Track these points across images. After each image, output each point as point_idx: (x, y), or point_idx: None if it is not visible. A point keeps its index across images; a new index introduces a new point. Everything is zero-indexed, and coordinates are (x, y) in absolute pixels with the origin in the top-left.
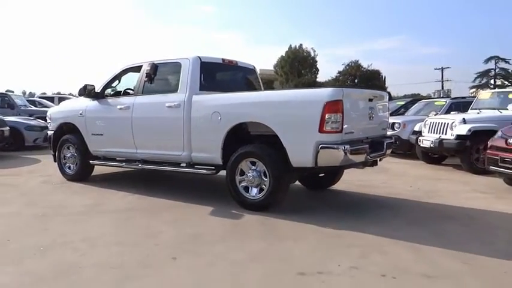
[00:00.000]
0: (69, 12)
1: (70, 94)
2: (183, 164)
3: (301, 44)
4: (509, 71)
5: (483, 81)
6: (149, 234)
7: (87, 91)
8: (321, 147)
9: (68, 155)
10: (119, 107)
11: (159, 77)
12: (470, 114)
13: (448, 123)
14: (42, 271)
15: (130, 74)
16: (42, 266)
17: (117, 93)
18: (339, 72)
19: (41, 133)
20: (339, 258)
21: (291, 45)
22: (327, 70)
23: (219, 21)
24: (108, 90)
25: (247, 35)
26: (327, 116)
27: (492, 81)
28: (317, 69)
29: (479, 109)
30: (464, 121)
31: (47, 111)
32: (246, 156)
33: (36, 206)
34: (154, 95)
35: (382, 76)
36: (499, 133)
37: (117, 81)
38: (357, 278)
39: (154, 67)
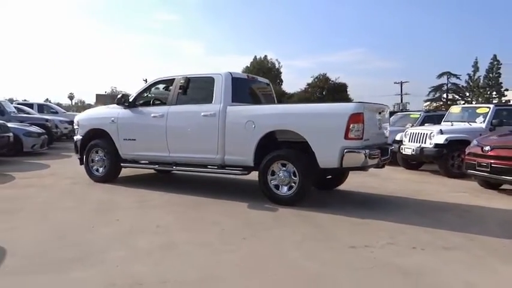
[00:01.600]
0: (22, 20)
1: (25, 100)
2: (211, 166)
3: (265, 56)
4: (460, 86)
5: (436, 95)
6: (210, 223)
7: (123, 100)
8: (346, 151)
9: (97, 159)
10: (152, 115)
11: (192, 89)
12: (445, 126)
13: (427, 134)
14: (145, 247)
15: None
16: (142, 243)
17: (146, 103)
18: (308, 84)
19: (38, 139)
20: (374, 237)
21: (255, 56)
22: (288, 81)
23: (180, 29)
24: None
25: (209, 44)
26: (351, 125)
27: (445, 95)
28: (281, 81)
29: (451, 122)
30: (441, 132)
31: (37, 117)
32: (278, 159)
33: (88, 202)
34: (189, 105)
35: (348, 89)
36: (475, 142)
37: (148, 93)
38: (395, 250)
39: (188, 80)
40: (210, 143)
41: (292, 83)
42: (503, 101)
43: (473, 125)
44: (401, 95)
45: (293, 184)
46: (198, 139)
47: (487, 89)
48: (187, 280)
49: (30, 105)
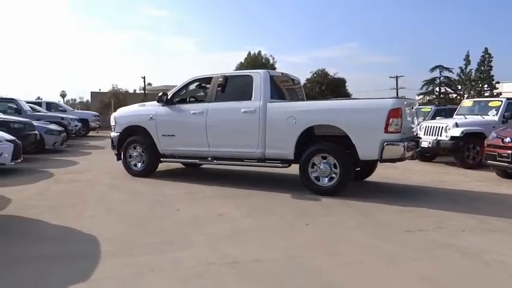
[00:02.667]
0: (12, 18)
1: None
2: (249, 160)
3: (259, 51)
4: (452, 79)
5: (429, 89)
6: (266, 211)
7: (163, 98)
8: (386, 144)
9: (135, 154)
10: (192, 111)
11: (230, 87)
12: (458, 119)
13: (442, 127)
14: (221, 233)
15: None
16: (215, 230)
17: (182, 100)
18: (307, 79)
19: (58, 137)
20: (424, 223)
21: (249, 52)
22: None
23: (169, 26)
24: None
25: (199, 40)
26: (390, 120)
27: (437, 89)
28: None
29: (463, 115)
30: (456, 125)
31: (53, 116)
32: (319, 152)
33: (140, 195)
34: (228, 102)
35: (346, 84)
36: (494, 134)
37: (184, 91)
38: (447, 233)
39: (226, 79)
40: (250, 137)
41: None
42: (495, 94)
43: (486, 118)
44: (397, 89)
45: (334, 175)
46: (239, 134)
47: (479, 82)
48: (277, 259)
49: (39, 104)
